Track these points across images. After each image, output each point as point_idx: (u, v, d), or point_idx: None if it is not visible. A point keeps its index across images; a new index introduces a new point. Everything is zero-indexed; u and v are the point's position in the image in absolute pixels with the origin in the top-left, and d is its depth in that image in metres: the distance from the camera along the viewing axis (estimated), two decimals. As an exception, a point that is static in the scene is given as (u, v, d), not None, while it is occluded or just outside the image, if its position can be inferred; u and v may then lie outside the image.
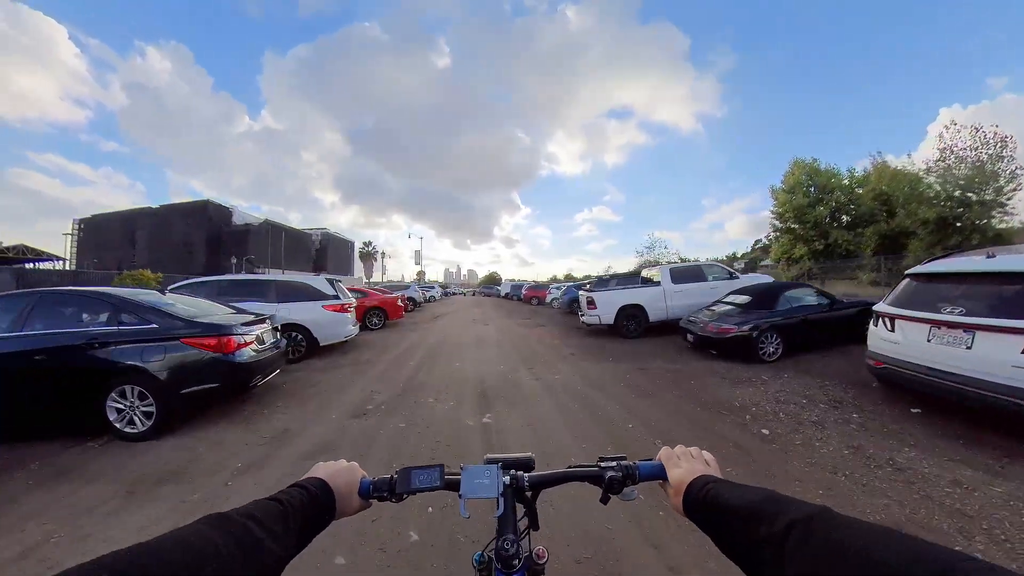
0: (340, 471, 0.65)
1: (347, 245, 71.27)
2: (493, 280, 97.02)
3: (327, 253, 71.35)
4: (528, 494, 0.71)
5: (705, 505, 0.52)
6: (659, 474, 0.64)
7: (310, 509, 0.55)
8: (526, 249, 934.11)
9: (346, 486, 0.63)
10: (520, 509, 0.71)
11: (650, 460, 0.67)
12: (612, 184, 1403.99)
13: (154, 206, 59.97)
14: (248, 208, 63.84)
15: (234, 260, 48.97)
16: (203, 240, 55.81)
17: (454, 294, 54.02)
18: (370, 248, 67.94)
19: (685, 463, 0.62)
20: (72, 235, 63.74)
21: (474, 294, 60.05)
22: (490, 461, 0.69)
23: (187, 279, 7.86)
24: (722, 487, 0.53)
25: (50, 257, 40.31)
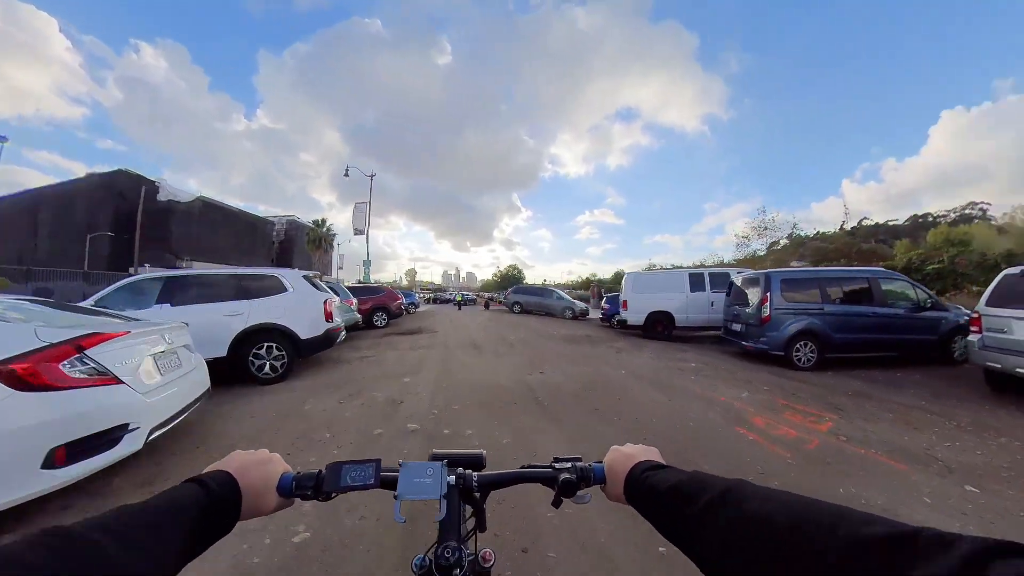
0: (255, 463, 0.56)
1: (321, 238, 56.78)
2: (513, 279, 55.76)
3: (293, 245, 56.81)
4: (477, 494, 0.66)
5: (642, 491, 0.54)
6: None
7: (205, 511, 0.46)
8: (526, 252, 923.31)
9: (261, 481, 0.55)
10: (467, 510, 0.67)
11: (602, 462, 0.65)
12: (615, 187, 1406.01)
13: (61, 181, 46.78)
14: (243, 206, 46.66)
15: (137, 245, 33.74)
16: (109, 223, 40.61)
17: (438, 300, 31.98)
18: (323, 231, 40.67)
19: (630, 452, 0.62)
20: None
21: (487, 305, 28.20)
22: (435, 457, 0.64)
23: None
24: (659, 473, 0.54)
25: None
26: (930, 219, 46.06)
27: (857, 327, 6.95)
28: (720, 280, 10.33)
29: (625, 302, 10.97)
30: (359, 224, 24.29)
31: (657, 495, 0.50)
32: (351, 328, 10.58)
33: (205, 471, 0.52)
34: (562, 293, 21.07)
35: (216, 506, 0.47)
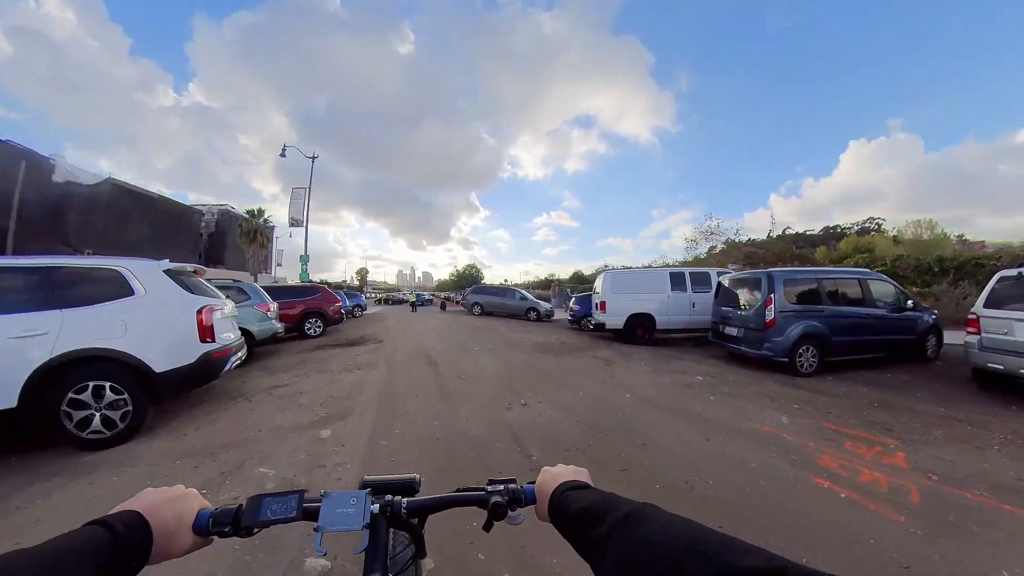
0: (167, 501, 0.51)
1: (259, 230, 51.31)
2: (471, 278, 51.39)
3: (226, 239, 51.65)
4: (415, 520, 0.64)
5: (560, 511, 0.54)
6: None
7: (109, 554, 0.42)
8: (484, 252, 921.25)
9: (174, 519, 0.50)
10: (407, 537, 0.66)
11: (534, 482, 0.63)
12: (571, 190, 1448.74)
13: (-80, 155, 38.47)
14: (170, 194, 39.75)
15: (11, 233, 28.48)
16: (-19, 207, 33.43)
17: (390, 301, 28.68)
18: (258, 221, 32.49)
19: (558, 473, 0.62)
20: None
21: (443, 307, 28.38)
22: (365, 484, 0.61)
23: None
24: (576, 493, 0.54)
25: None
26: (839, 230, 51.82)
27: (851, 329, 6.57)
28: (700, 279, 9.70)
29: (603, 303, 9.72)
30: (296, 213, 21.31)
31: (571, 516, 0.50)
32: (268, 341, 8.40)
33: (111, 512, 0.47)
34: (525, 293, 19.21)
35: (122, 549, 0.43)
